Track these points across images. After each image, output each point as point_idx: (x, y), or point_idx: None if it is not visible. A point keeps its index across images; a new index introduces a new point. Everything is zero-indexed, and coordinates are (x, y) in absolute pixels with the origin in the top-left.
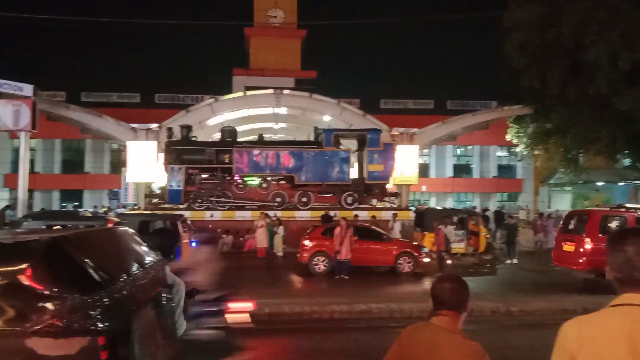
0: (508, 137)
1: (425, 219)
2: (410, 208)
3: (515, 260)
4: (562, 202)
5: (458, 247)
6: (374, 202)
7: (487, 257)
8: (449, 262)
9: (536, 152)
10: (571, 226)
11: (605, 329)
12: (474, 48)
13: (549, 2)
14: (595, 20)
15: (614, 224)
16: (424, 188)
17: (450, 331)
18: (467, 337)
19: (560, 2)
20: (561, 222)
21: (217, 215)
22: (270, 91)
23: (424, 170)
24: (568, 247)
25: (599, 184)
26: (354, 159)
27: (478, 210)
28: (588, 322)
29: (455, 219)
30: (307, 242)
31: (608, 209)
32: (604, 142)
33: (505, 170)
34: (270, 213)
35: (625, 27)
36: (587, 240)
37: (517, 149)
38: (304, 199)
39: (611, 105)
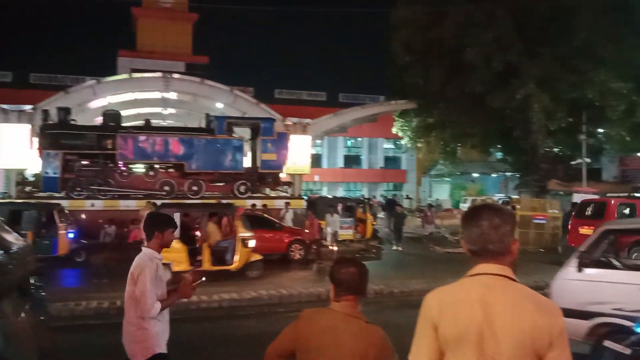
0: (394, 130)
1: (317, 207)
2: (303, 197)
3: (400, 246)
4: (442, 192)
5: (346, 234)
6: (267, 191)
7: (373, 243)
8: (334, 248)
9: (419, 145)
10: (588, 213)
11: (463, 297)
12: (366, 43)
13: (433, 3)
14: (473, 23)
15: (627, 211)
16: (316, 178)
17: (351, 316)
18: (369, 322)
19: (443, 4)
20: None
21: (99, 204)
22: (159, 74)
23: (316, 160)
24: (586, 230)
25: (475, 175)
26: (247, 147)
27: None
28: (448, 292)
29: (341, 206)
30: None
31: (625, 196)
32: (478, 137)
33: (392, 162)
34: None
35: (499, 31)
36: None
37: (402, 142)
38: (195, 188)
39: (485, 103)
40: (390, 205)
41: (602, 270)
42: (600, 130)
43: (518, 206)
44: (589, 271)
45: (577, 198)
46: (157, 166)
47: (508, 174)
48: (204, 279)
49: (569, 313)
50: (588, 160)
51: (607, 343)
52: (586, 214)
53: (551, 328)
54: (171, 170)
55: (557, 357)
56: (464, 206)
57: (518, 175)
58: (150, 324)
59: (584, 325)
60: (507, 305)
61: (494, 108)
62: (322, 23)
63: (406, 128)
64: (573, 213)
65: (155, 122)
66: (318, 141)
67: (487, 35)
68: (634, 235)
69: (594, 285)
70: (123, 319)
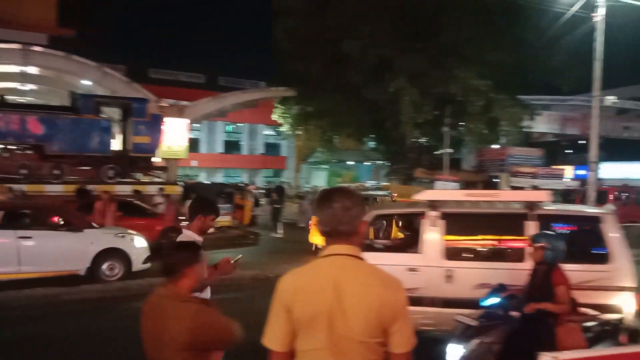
0: (274, 117)
1: (195, 193)
2: (179, 183)
3: (280, 233)
4: (319, 179)
5: (223, 220)
6: (139, 176)
7: (251, 230)
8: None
9: (298, 132)
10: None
11: (315, 278)
12: (249, 27)
13: None
14: (353, 16)
15: None
16: (194, 163)
17: (172, 298)
18: (191, 301)
19: None
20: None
21: None
22: (17, 46)
23: (194, 145)
24: None
25: (350, 163)
26: (116, 129)
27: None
28: (301, 273)
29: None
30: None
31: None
32: (354, 127)
33: (272, 148)
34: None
35: (374, 25)
36: None
37: (282, 129)
38: (56, 172)
39: (361, 94)
40: (279, 192)
41: (368, 253)
42: (462, 123)
43: (395, 194)
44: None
45: (440, 185)
46: (12, 147)
47: (380, 162)
48: (240, 256)
49: None
50: (450, 150)
51: (458, 317)
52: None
53: (395, 302)
54: (29, 152)
55: (400, 328)
56: None
57: (389, 164)
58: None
59: None
60: (356, 284)
61: (368, 99)
62: (204, 2)
63: (286, 115)
64: None
65: (11, 98)
66: (196, 125)
67: (364, 29)
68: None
69: None
70: None
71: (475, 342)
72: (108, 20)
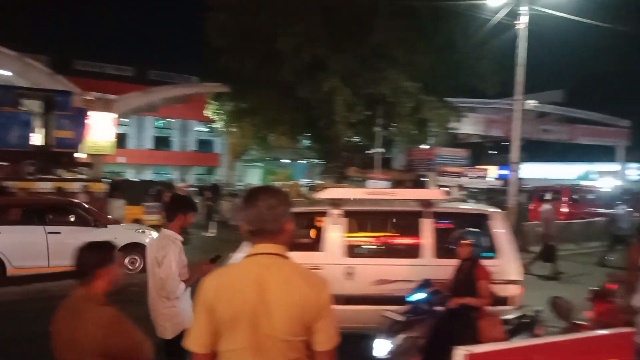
0: (207, 113)
1: (125, 191)
2: (105, 180)
3: (213, 232)
4: (254, 177)
5: (152, 218)
6: (62, 172)
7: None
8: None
9: (232, 129)
10: None
11: (239, 277)
12: (181, 20)
13: None
14: (287, 13)
15: None
16: (121, 159)
17: (87, 301)
18: (105, 304)
19: None
20: None
21: None
22: None
23: (122, 140)
24: None
25: (284, 161)
26: (37, 122)
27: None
28: (225, 273)
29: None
30: None
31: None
32: (288, 125)
33: (205, 145)
34: None
35: (308, 24)
36: None
37: (215, 125)
38: None
39: (295, 93)
40: (215, 190)
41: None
42: (393, 124)
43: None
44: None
45: (371, 184)
46: None
47: (314, 160)
48: (219, 255)
49: None
50: (382, 150)
51: (386, 312)
52: None
53: (318, 300)
54: None
55: (323, 326)
56: None
57: (323, 162)
58: (177, 302)
59: None
60: (280, 282)
61: (302, 98)
62: None
63: (220, 112)
64: None
65: None
66: (125, 120)
67: (298, 28)
68: None
69: None
70: (149, 299)
71: (401, 337)
72: (30, 8)
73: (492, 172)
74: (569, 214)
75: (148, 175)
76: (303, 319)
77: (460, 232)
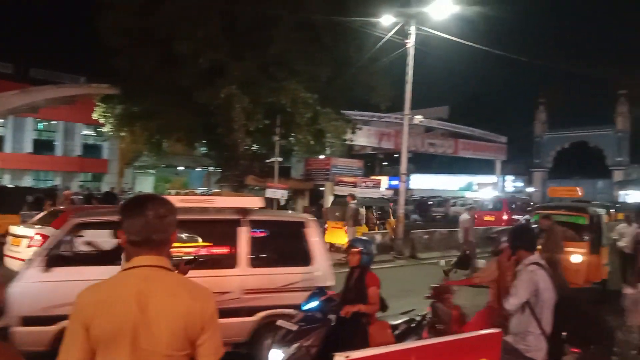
0: (95, 116)
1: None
2: None
3: None
4: (146, 184)
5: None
6: None
7: None
8: None
9: (122, 134)
10: None
11: (118, 291)
12: (69, 15)
13: None
14: (187, 17)
15: None
16: None
17: None
18: None
19: None
20: None
21: None
22: None
23: None
24: None
25: (180, 168)
26: None
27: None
28: (103, 288)
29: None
30: None
31: None
32: (184, 131)
33: (92, 150)
34: None
35: (208, 29)
36: None
37: (104, 129)
38: None
39: (192, 98)
40: (110, 198)
41: (70, 268)
42: (292, 133)
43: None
44: (57, 270)
45: (270, 193)
46: None
47: (211, 168)
48: (195, 257)
49: (31, 321)
50: (280, 159)
51: (280, 322)
52: None
53: (203, 313)
54: None
55: (208, 339)
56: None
57: (220, 170)
58: None
59: (50, 331)
60: (163, 296)
61: (200, 103)
62: None
63: (109, 115)
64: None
65: None
66: (1, 120)
67: (196, 32)
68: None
69: (62, 286)
70: None
71: (294, 346)
72: None
73: (384, 183)
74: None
75: (27, 181)
76: (187, 333)
77: (351, 240)
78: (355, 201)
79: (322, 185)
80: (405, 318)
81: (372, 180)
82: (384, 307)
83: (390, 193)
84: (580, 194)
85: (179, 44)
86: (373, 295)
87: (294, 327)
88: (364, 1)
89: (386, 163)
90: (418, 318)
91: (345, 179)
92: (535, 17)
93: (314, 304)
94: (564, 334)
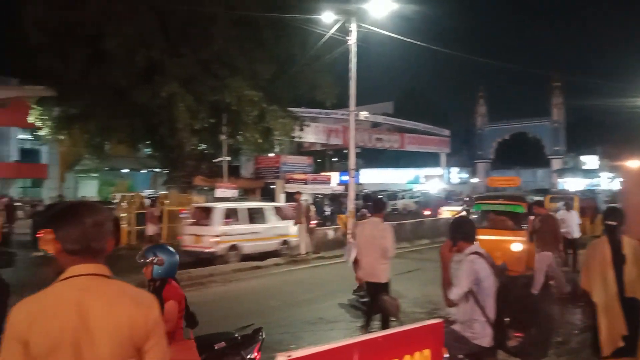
0: (31, 119)
1: None
2: None
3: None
4: (89, 189)
5: None
6: None
7: (3, 248)
8: None
9: (61, 137)
10: None
11: (55, 303)
12: None
13: None
14: (114, 13)
15: None
16: None
17: None
18: None
19: None
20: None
21: None
22: None
23: None
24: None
25: (124, 171)
26: None
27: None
28: (38, 301)
29: None
30: None
31: None
32: (125, 132)
33: (29, 155)
34: None
35: (141, 26)
36: None
37: (41, 133)
38: None
39: (131, 97)
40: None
41: None
42: (239, 132)
43: (167, 201)
44: None
45: (220, 193)
46: None
47: (157, 170)
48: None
49: None
50: (229, 158)
51: None
52: None
53: (147, 319)
54: None
55: (153, 345)
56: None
57: (167, 172)
58: None
59: None
60: (104, 304)
61: (139, 103)
62: None
63: (45, 118)
64: None
65: None
66: None
67: (128, 28)
68: None
69: None
70: None
71: None
72: None
73: (335, 179)
74: None
75: None
76: (132, 341)
77: (143, 250)
78: (304, 198)
79: (273, 184)
80: (234, 334)
81: (322, 176)
82: (192, 323)
83: (341, 188)
84: (517, 183)
85: (108, 41)
86: (169, 311)
87: None
88: None
89: (336, 159)
90: (250, 333)
91: (296, 176)
92: (474, 14)
93: None
94: (506, 319)
